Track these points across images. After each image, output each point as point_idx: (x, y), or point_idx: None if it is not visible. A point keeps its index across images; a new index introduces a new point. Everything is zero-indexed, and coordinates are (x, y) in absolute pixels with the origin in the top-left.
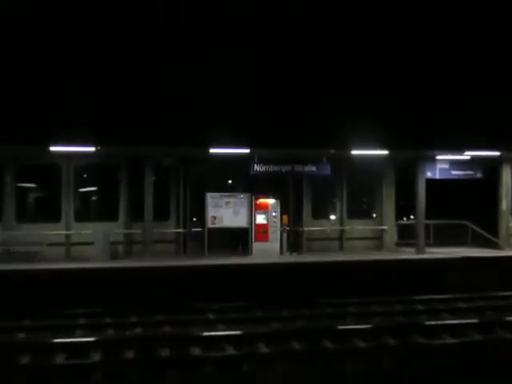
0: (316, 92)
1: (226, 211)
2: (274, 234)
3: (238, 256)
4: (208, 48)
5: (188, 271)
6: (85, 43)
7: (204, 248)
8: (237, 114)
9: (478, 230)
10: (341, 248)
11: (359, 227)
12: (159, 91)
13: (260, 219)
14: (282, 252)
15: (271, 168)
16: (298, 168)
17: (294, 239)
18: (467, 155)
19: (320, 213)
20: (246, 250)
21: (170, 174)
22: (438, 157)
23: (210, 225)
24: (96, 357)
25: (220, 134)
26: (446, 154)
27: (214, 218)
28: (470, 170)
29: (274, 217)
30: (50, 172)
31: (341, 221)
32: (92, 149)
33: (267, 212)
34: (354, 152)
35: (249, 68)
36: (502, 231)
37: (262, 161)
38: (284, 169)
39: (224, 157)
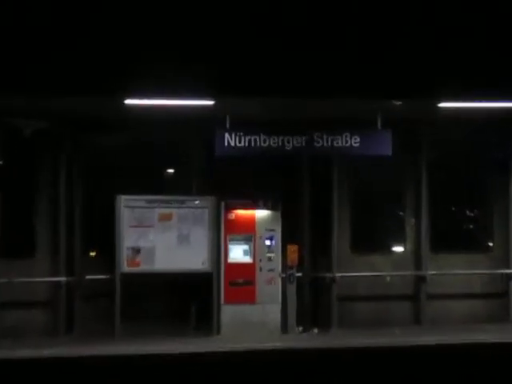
0: None
1: (161, 236)
2: (268, 289)
3: (188, 338)
4: None
5: (77, 369)
6: None
7: (114, 319)
8: (184, 27)
9: None
10: (416, 318)
11: (457, 271)
12: None
13: (237, 254)
14: (285, 327)
15: (262, 141)
16: (322, 141)
17: (311, 298)
18: None
19: (369, 240)
20: (206, 322)
21: (37, 154)
22: None
23: (126, 267)
24: None
25: (149, 67)
26: None
27: (136, 251)
28: None
29: (269, 248)
30: None
31: (416, 257)
32: None
33: (253, 238)
34: (446, 104)
35: None
36: None
37: (241, 126)
38: (291, 143)
39: (158, 118)
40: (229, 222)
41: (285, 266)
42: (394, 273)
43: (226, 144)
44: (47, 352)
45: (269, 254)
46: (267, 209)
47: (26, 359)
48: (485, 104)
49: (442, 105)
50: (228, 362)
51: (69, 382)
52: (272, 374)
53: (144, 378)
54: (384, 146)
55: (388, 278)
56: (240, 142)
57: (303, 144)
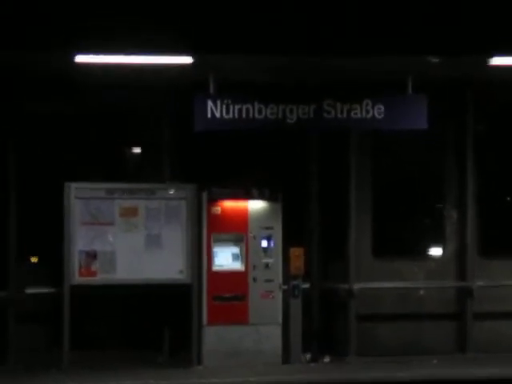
0: None
1: (124, 237)
2: (265, 305)
3: (160, 370)
4: None
5: None
6: None
7: (61, 346)
8: None
9: None
10: (460, 344)
11: None
12: None
13: (224, 259)
14: (288, 355)
15: (257, 112)
16: (335, 111)
17: (322, 317)
18: None
19: (397, 241)
20: (183, 349)
21: None
22: None
23: (78, 277)
24: None
25: (105, 15)
26: None
27: (92, 256)
28: None
29: (266, 252)
30: None
31: (459, 263)
32: None
33: (245, 238)
34: (501, 61)
35: None
36: None
37: (229, 91)
38: (294, 114)
39: (119, 83)
40: (213, 218)
41: (287, 276)
42: (430, 284)
43: (208, 115)
44: None
45: (266, 260)
46: (263, 200)
47: None
48: None
49: (495, 62)
50: None
51: None
52: None
53: None
54: (417, 116)
55: (422, 292)
56: (228, 113)
57: (310, 115)
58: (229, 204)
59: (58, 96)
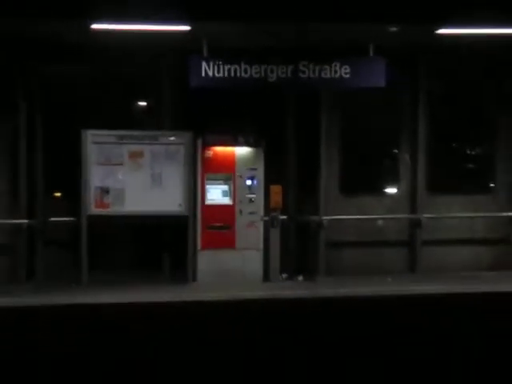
0: None
1: (132, 177)
2: (249, 233)
3: (161, 286)
4: None
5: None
6: None
7: (80, 266)
8: None
9: None
10: (411, 266)
11: (456, 215)
12: None
13: (215, 195)
14: (268, 275)
15: (243, 71)
16: (308, 72)
17: (297, 244)
18: None
19: (360, 180)
20: (181, 270)
21: None
22: None
23: (93, 209)
24: None
25: None
26: None
27: (105, 191)
28: None
29: (250, 189)
30: None
31: (411, 199)
32: None
33: (232, 178)
34: (446, 31)
35: None
36: None
37: (219, 53)
38: (275, 73)
39: (127, 46)
40: (206, 160)
41: (267, 209)
42: (387, 216)
43: (202, 74)
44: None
45: (250, 195)
46: (248, 145)
47: None
48: (488, 30)
49: (441, 31)
50: (206, 314)
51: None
52: (253, 324)
53: (115, 329)
54: (377, 75)
55: (380, 222)
56: (219, 72)
57: (288, 74)
58: (219, 149)
59: (77, 59)
